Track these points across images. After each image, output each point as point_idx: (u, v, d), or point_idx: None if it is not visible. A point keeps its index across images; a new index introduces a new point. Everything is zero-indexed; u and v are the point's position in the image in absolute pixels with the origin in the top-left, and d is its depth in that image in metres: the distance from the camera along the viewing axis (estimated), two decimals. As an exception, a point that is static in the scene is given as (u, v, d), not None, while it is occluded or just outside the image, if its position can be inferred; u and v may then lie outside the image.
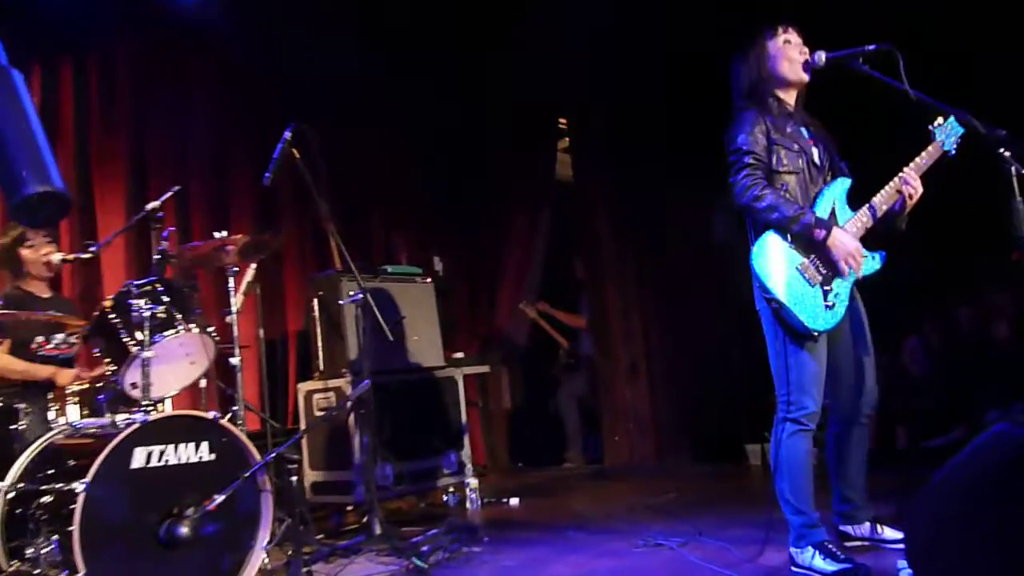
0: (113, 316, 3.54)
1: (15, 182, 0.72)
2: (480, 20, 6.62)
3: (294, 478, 3.45)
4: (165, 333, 3.48)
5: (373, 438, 4.48)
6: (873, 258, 3.13)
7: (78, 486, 2.86)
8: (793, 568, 3.00)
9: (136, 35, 5.77)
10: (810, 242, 3.04)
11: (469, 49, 6.89)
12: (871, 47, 2.96)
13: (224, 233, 4.12)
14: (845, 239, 3.02)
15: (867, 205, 3.13)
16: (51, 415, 3.65)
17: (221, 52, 6.07)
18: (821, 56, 3.13)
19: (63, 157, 5.36)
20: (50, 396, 3.70)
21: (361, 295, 4.23)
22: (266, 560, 3.36)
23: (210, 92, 6.10)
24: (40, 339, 3.97)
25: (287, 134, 4.02)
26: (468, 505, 5.25)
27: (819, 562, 2.89)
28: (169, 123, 5.87)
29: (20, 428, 3.51)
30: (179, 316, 3.55)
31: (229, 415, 3.77)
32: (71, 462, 3.25)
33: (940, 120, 3.13)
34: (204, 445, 3.23)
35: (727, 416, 6.27)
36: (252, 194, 6.06)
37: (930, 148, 3.13)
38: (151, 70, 5.86)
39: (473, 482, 5.30)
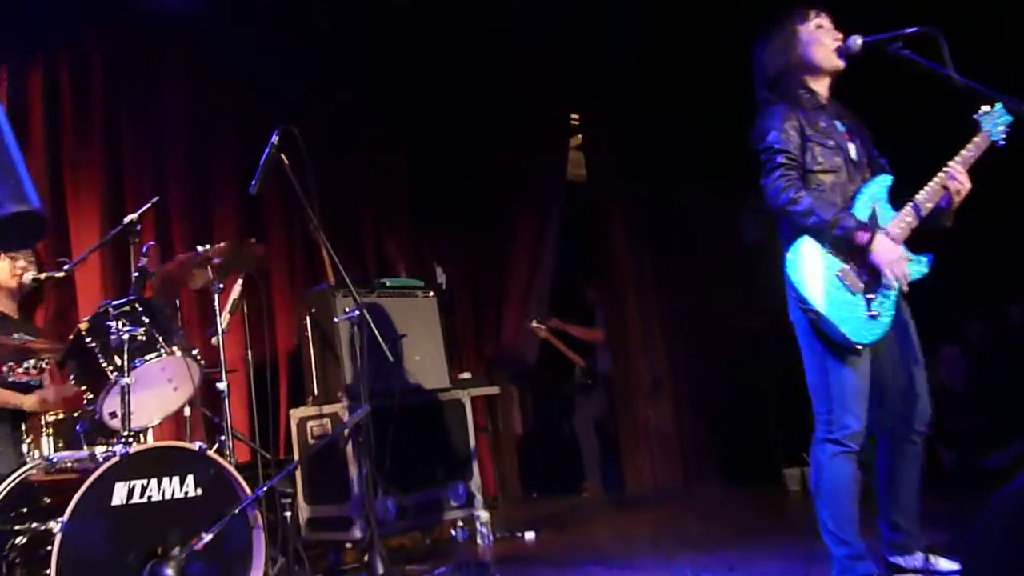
0: (89, 339, 3.55)
1: None
2: (480, 11, 6.63)
3: (288, 513, 3.45)
4: (146, 357, 3.50)
5: (373, 468, 4.48)
6: (919, 262, 3.12)
7: (54, 525, 2.88)
8: (838, 604, 2.99)
9: (110, 31, 5.80)
10: (850, 246, 3.03)
11: (468, 42, 6.91)
12: (911, 30, 2.96)
13: (207, 247, 4.12)
14: (888, 246, 3.01)
15: (911, 203, 3.11)
16: (24, 448, 3.66)
17: (202, 50, 6.09)
18: (857, 41, 3.12)
19: (33, 167, 5.34)
20: (23, 427, 3.72)
21: (357, 312, 4.23)
22: (259, 604, 3.36)
23: (190, 94, 6.11)
24: (10, 363, 3.99)
25: (274, 138, 4.04)
26: (478, 540, 5.23)
27: (866, 597, 2.88)
28: (146, 128, 5.90)
29: (-10, 463, 3.53)
30: (161, 338, 3.57)
31: (216, 445, 3.78)
32: (46, 499, 3.28)
33: (986, 108, 3.10)
34: (189, 479, 3.25)
35: (761, 436, 6.26)
36: (237, 204, 6.06)
37: (976, 139, 3.10)
38: (126, 70, 5.87)
39: (483, 515, 5.28)
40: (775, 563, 3.63)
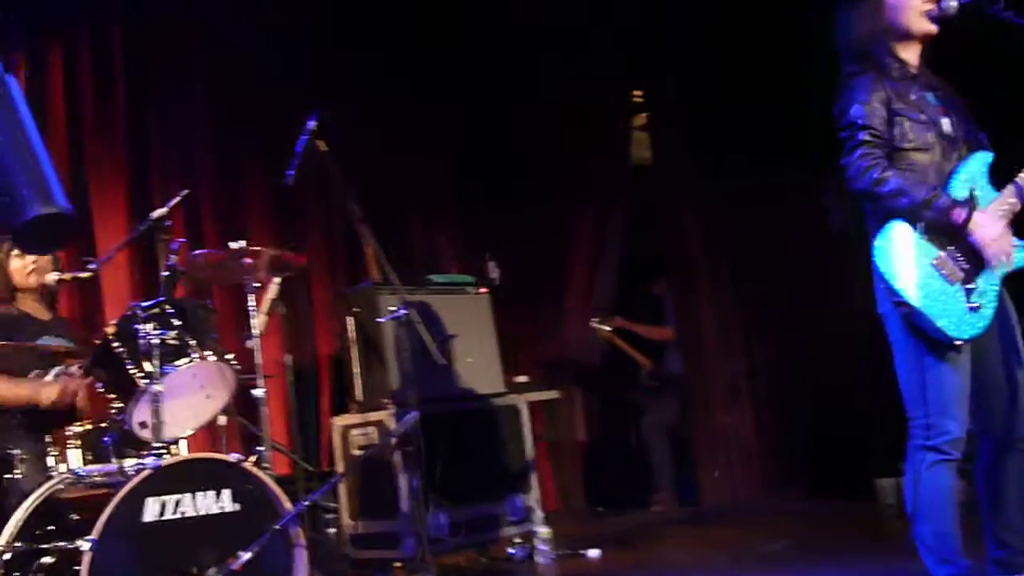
0: (117, 344, 3.62)
1: (14, 203, 0.75)
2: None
3: (331, 530, 3.49)
4: (177, 363, 3.55)
5: (423, 481, 4.52)
6: (1023, 248, 3.06)
7: (83, 544, 2.94)
8: (938, 629, 2.95)
9: (133, 13, 5.91)
10: (946, 230, 2.98)
11: (518, 19, 6.91)
12: (1015, -13, 2.90)
13: (242, 243, 4.18)
14: (989, 224, 2.96)
15: (1012, 183, 3.05)
16: (50, 461, 3.73)
17: (230, 33, 6.18)
18: (952, 3, 3.07)
19: (55, 158, 5.51)
20: (48, 439, 3.80)
21: (404, 311, 4.28)
22: (301, 628, 3.41)
23: (219, 80, 6.22)
24: (37, 371, 4.08)
25: (310, 124, 4.09)
26: (538, 559, 5.24)
27: (970, 621, 2.84)
28: (173, 118, 6.01)
29: (15, 478, 3.59)
30: (193, 342, 3.62)
31: (254, 457, 3.83)
32: (74, 516, 3.35)
33: None
34: (225, 493, 3.30)
35: (851, 444, 6.17)
36: (271, 196, 6.15)
37: None
38: (151, 55, 5.99)
39: (543, 531, 5.28)
40: (867, 584, 3.59)
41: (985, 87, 3.55)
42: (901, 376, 3.09)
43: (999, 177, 3.11)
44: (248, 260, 4.18)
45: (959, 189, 3.07)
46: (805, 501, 6.46)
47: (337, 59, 6.50)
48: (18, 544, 3.26)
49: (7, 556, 3.24)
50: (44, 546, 3.19)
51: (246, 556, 3.15)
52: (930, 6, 3.11)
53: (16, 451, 3.65)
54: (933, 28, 3.13)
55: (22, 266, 4.19)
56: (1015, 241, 3.04)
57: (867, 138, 3.03)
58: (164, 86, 6.04)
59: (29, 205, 0.76)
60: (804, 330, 6.51)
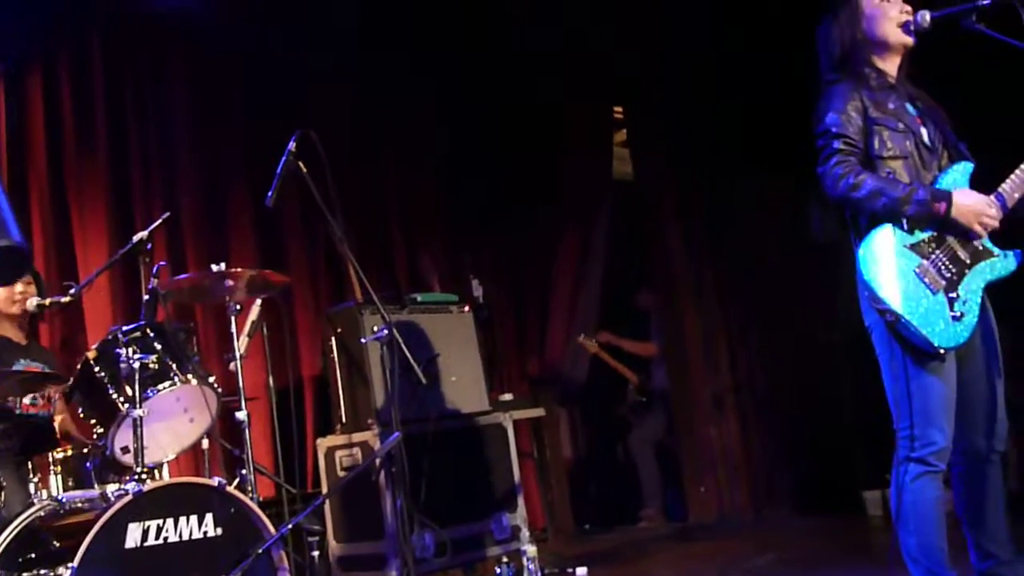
0: (98, 368, 3.61)
1: None
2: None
3: (316, 552, 3.47)
4: (159, 387, 3.55)
5: (408, 501, 4.50)
6: (1006, 257, 3.08)
7: (64, 572, 2.92)
8: (926, 641, 2.94)
9: (112, 34, 5.90)
10: (931, 230, 3.00)
11: (497, 39, 6.93)
12: (986, 1, 2.93)
13: (222, 265, 4.16)
14: (967, 199, 3.00)
15: (994, 193, 3.07)
16: (31, 488, 3.71)
17: (210, 51, 6.18)
18: (925, 16, 3.11)
19: (35, 183, 5.49)
20: (30, 465, 3.77)
21: (386, 330, 4.25)
22: (287, 653, 3.38)
23: (199, 100, 6.21)
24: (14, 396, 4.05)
25: (291, 145, 4.08)
26: (526, 577, 5.23)
27: (957, 633, 2.83)
28: (154, 138, 5.99)
29: (-5, 504, 3.59)
30: (174, 365, 3.61)
31: (237, 480, 3.81)
32: (55, 543, 3.32)
33: None
34: (208, 517, 3.28)
35: (837, 457, 6.19)
36: (253, 217, 6.13)
37: None
38: (130, 76, 5.98)
39: (530, 549, 5.24)
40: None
41: (967, 98, 3.57)
42: (887, 387, 3.10)
43: (980, 187, 3.13)
44: (230, 282, 4.16)
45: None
46: (792, 515, 6.46)
47: (319, 80, 6.50)
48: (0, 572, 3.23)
49: (-12, 585, 3.22)
50: (26, 574, 3.15)
51: (230, 581, 3.13)
52: (906, 18, 3.14)
53: (-3, 478, 3.62)
54: (909, 40, 3.16)
55: (7, 295, 4.18)
56: (994, 250, 3.06)
57: (841, 146, 3.05)
58: (145, 108, 6.02)
59: None
60: (789, 343, 6.53)
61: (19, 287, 4.18)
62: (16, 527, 3.33)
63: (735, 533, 6.23)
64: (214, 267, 4.14)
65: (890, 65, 3.22)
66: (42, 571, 3.10)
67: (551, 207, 7.48)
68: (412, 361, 4.32)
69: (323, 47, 6.48)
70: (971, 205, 3.00)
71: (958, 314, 2.99)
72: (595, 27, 6.88)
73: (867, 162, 3.08)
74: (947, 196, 2.99)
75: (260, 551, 3.26)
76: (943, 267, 3.02)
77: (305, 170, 4.11)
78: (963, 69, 4.11)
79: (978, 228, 3.00)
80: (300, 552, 3.70)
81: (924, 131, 3.18)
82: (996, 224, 3.03)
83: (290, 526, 3.41)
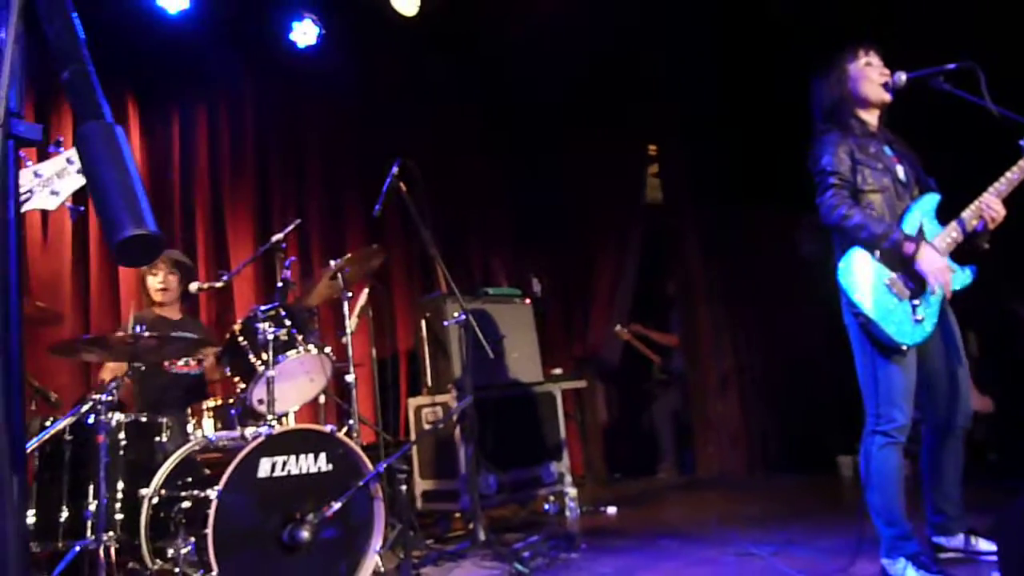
0: (241, 338, 3.66)
1: (116, 225, 0.76)
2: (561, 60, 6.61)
3: (403, 487, 3.48)
4: (287, 353, 3.57)
5: (476, 450, 4.50)
6: (964, 272, 2.99)
7: (211, 493, 2.95)
8: (885, 579, 2.86)
9: (259, 82, 6.00)
10: (899, 257, 2.92)
11: (551, 90, 6.91)
12: (952, 66, 2.85)
13: (339, 261, 4.20)
14: (933, 256, 2.89)
15: (956, 219, 2.99)
16: (190, 428, 3.79)
17: (333, 95, 6.26)
18: (901, 77, 3.03)
19: (200, 195, 5.61)
20: (189, 411, 3.85)
21: (464, 316, 4.27)
22: (379, 563, 3.39)
23: (323, 132, 6.29)
24: (171, 359, 4.15)
25: (394, 169, 4.10)
26: (567, 513, 5.19)
27: (911, 573, 2.74)
28: (290, 163, 6.09)
29: (162, 440, 3.66)
30: (299, 338, 3.64)
31: (345, 428, 3.84)
32: (206, 471, 3.39)
33: None
34: (322, 456, 3.29)
35: (818, 427, 6.06)
36: (364, 225, 6.19)
37: (1021, 162, 2.96)
38: (272, 114, 6.08)
39: (571, 491, 5.24)
40: (829, 540, 3.50)
41: (937, 142, 3.48)
42: (859, 374, 3.03)
43: (945, 215, 3.05)
44: (347, 269, 4.19)
45: (911, 224, 3.01)
46: (779, 474, 6.34)
47: (415, 115, 6.55)
48: (163, 491, 3.30)
49: (155, 500, 3.28)
50: (183, 494, 3.21)
51: (337, 506, 3.14)
52: (885, 79, 3.06)
53: (163, 420, 3.70)
54: (887, 96, 3.09)
55: (153, 284, 4.28)
56: (954, 266, 2.97)
57: (836, 182, 2.99)
58: (284, 139, 6.11)
59: (126, 227, 0.76)
60: (781, 336, 6.42)
61: (160, 276, 4.26)
62: (177, 458, 3.40)
63: (733, 486, 6.13)
64: (332, 262, 4.19)
65: (871, 117, 3.14)
66: (195, 492, 3.14)
67: (595, 224, 7.45)
68: (483, 340, 4.33)
69: (415, 97, 6.54)
70: (934, 263, 2.88)
71: (920, 318, 2.91)
72: (628, 77, 6.84)
73: (855, 195, 3.01)
74: (917, 243, 2.89)
75: (361, 484, 3.28)
76: (908, 279, 2.94)
77: (405, 189, 4.14)
78: (933, 119, 3.99)
79: (932, 281, 2.90)
80: (392, 486, 3.70)
81: (900, 169, 3.10)
82: (948, 287, 2.92)
83: (384, 465, 3.42)
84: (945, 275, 2.89)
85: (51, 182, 1.89)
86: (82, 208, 2.53)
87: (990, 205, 2.93)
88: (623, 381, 7.81)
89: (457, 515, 4.99)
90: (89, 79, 0.83)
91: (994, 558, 2.69)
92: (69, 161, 1.99)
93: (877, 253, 2.94)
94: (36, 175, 1.97)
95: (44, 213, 4.83)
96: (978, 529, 3.07)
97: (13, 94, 0.77)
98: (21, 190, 1.31)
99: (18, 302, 0.74)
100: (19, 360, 0.72)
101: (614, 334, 7.33)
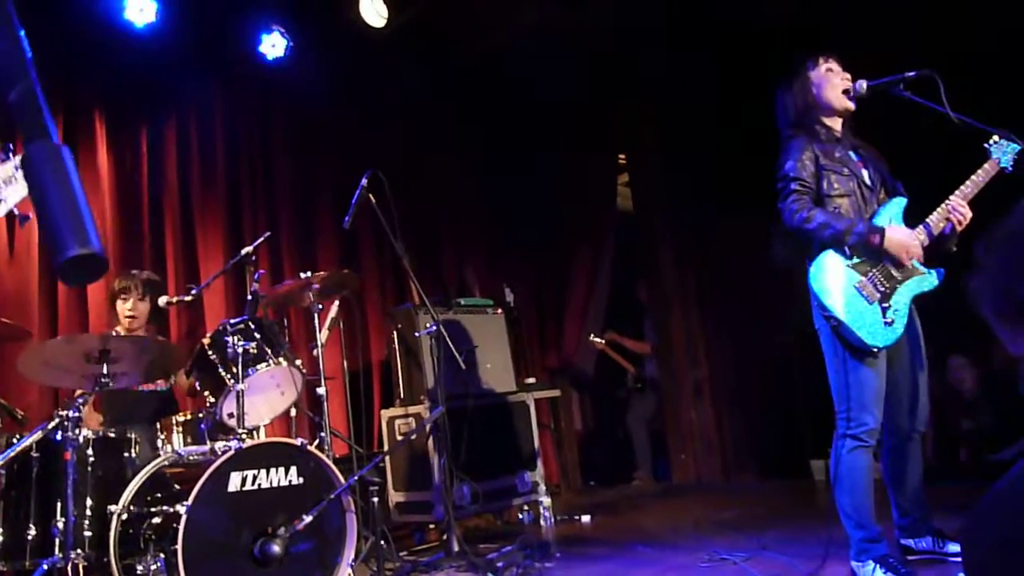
0: (211, 352, 3.63)
1: (59, 245, 0.76)
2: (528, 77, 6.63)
3: (375, 499, 3.46)
4: (257, 367, 3.55)
5: (449, 460, 4.49)
6: (930, 274, 3.03)
7: (181, 508, 2.93)
8: (855, 582, 2.89)
9: (229, 95, 5.96)
10: (868, 257, 2.96)
11: (519, 108, 6.94)
12: (911, 73, 2.90)
13: (309, 273, 4.18)
14: (898, 235, 2.95)
15: (922, 224, 3.04)
16: (159, 443, 3.75)
17: (303, 106, 6.23)
18: (862, 84, 3.08)
19: (169, 209, 5.54)
20: (158, 426, 3.80)
21: (435, 327, 4.27)
22: (352, 576, 3.37)
23: (294, 144, 6.26)
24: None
25: (364, 181, 4.09)
26: (542, 522, 5.20)
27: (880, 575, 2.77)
28: (260, 173, 6.05)
29: (131, 455, 3.59)
30: (269, 351, 3.62)
31: (317, 441, 3.82)
32: (176, 486, 3.35)
33: (996, 138, 3.03)
34: (293, 469, 3.27)
35: (790, 433, 6.11)
36: (336, 236, 6.16)
37: (986, 165, 3.03)
38: (242, 127, 6.04)
39: (546, 500, 5.25)
40: (802, 544, 3.52)
41: (903, 147, 3.53)
42: (830, 378, 3.06)
43: (912, 219, 3.09)
44: (316, 285, 4.17)
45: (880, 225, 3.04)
46: (754, 479, 6.38)
47: (386, 125, 6.54)
48: (133, 507, 3.25)
49: (124, 516, 3.23)
50: (153, 509, 3.18)
51: (308, 519, 3.13)
52: (846, 84, 3.11)
53: (132, 435, 3.65)
54: (850, 104, 3.13)
55: (123, 310, 4.23)
56: (923, 269, 3.01)
57: (797, 187, 3.03)
58: (254, 152, 6.07)
59: (69, 247, 0.76)
60: (753, 343, 6.47)
61: (130, 303, 4.22)
62: (146, 473, 3.35)
63: (708, 492, 6.16)
64: (302, 275, 4.17)
65: (835, 123, 3.18)
66: (165, 507, 3.11)
67: (568, 233, 7.48)
68: (454, 351, 4.33)
69: (386, 107, 6.54)
70: (900, 240, 2.95)
71: (890, 320, 2.95)
72: (598, 86, 6.88)
73: (818, 200, 3.05)
74: (880, 231, 2.95)
75: (332, 496, 3.26)
76: (878, 283, 2.98)
77: (374, 200, 4.12)
78: (896, 125, 4.05)
79: (905, 259, 2.95)
80: (364, 499, 3.68)
81: (865, 173, 3.14)
82: (921, 252, 2.98)
83: (356, 478, 3.41)
84: (914, 249, 2.94)
85: (4, 186, 1.86)
86: (29, 216, 2.48)
87: (957, 208, 2.98)
88: (597, 390, 7.83)
89: (432, 526, 4.98)
90: (36, 99, 0.82)
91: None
92: (17, 168, 1.95)
93: (847, 256, 2.97)
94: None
95: (10, 226, 4.75)
96: (947, 530, 3.10)
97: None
98: None
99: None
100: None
101: (588, 343, 7.35)
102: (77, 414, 3.26)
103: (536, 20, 6.14)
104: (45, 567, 3.06)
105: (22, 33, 0.85)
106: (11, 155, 1.96)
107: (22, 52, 0.83)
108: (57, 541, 3.17)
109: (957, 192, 3.01)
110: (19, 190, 1.71)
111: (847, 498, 2.92)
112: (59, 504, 3.26)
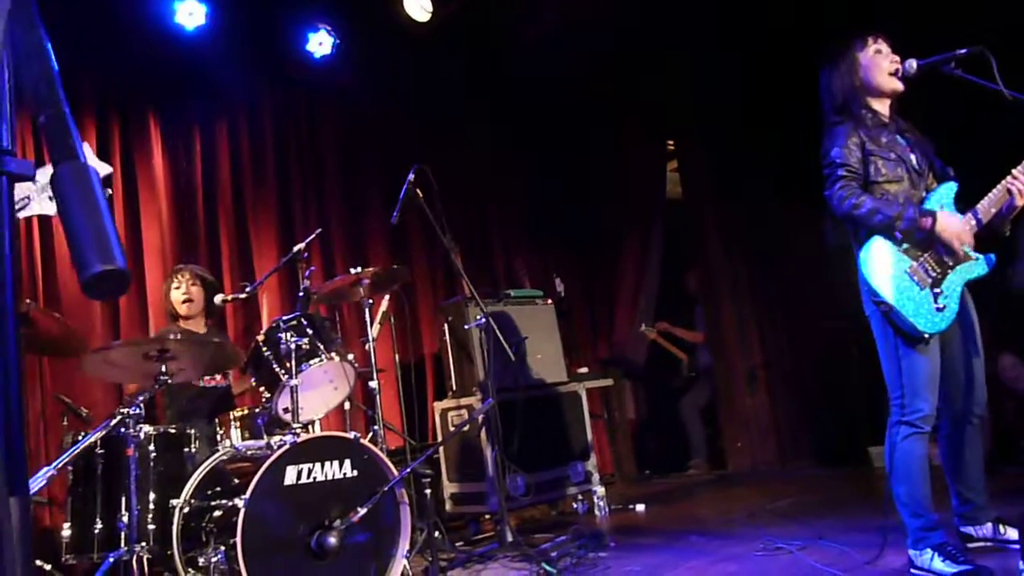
0: (265, 349, 3.70)
1: (84, 262, 0.80)
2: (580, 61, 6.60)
3: (428, 491, 3.50)
4: (310, 362, 3.61)
5: (500, 451, 4.52)
6: (979, 261, 2.95)
7: (239, 502, 3.00)
8: (912, 570, 2.83)
9: (277, 94, 6.07)
10: (919, 242, 2.89)
11: (572, 94, 6.91)
12: (963, 51, 2.81)
13: (360, 268, 4.24)
14: (950, 221, 2.87)
15: (971, 211, 2.95)
16: (217, 438, 3.85)
17: (350, 103, 6.31)
18: (912, 64, 2.99)
19: (223, 210, 5.67)
20: (217, 422, 3.91)
21: (484, 319, 4.29)
22: (407, 567, 3.42)
23: (342, 140, 6.34)
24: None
25: (411, 176, 4.13)
26: (596, 512, 5.21)
27: (938, 564, 2.72)
28: (310, 173, 6.14)
29: (191, 451, 3.71)
30: (321, 346, 3.68)
31: (370, 434, 3.88)
32: (234, 480, 3.44)
33: None
34: (347, 463, 3.33)
35: (848, 419, 6.01)
36: (385, 232, 6.24)
37: None
38: (291, 125, 6.14)
39: (600, 490, 5.25)
40: (858, 533, 3.47)
41: (954, 130, 3.43)
42: (883, 364, 3.00)
43: (963, 204, 3.01)
44: (366, 280, 4.23)
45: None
46: (810, 466, 6.30)
47: (433, 119, 6.59)
48: (193, 501, 3.35)
49: (186, 510, 3.33)
50: (212, 503, 3.26)
51: (363, 511, 3.18)
52: (896, 67, 3.03)
53: (192, 431, 3.75)
54: (899, 85, 3.05)
55: (177, 297, 4.34)
56: (975, 255, 2.94)
57: (844, 173, 2.97)
58: (303, 150, 6.17)
59: (92, 264, 0.80)
60: (807, 328, 6.37)
61: (183, 288, 4.32)
62: (206, 468, 3.45)
63: (764, 480, 6.09)
64: (353, 270, 4.23)
65: (883, 106, 3.10)
66: (223, 500, 3.19)
67: (618, 223, 7.45)
68: (504, 343, 4.35)
69: (432, 101, 6.59)
70: (952, 225, 2.87)
71: (941, 306, 2.88)
72: (647, 74, 6.84)
73: (866, 186, 2.98)
74: (932, 214, 2.88)
75: (386, 489, 3.31)
76: (929, 268, 2.91)
77: (421, 195, 4.16)
78: (949, 106, 3.93)
79: (956, 245, 2.88)
80: (418, 490, 3.73)
81: (913, 157, 3.06)
82: (972, 239, 2.91)
83: (408, 470, 3.45)
84: (966, 236, 2.87)
85: (48, 188, 1.93)
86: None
87: (1019, 175, 2.88)
88: (650, 379, 7.80)
89: (486, 517, 5.02)
90: (65, 122, 0.86)
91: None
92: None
93: (897, 242, 2.91)
94: (33, 181, 2.00)
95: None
96: (1007, 518, 3.03)
97: (4, 131, 0.81)
98: (18, 196, 1.35)
99: (15, 335, 0.77)
100: (17, 385, 0.75)
101: (640, 334, 7.32)
102: (138, 411, 3.37)
103: (584, 10, 6.11)
104: (111, 560, 3.17)
105: (51, 54, 0.89)
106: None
107: (52, 76, 0.87)
108: (123, 535, 3.29)
109: (1018, 168, 2.91)
110: (50, 206, 1.78)
111: (903, 487, 2.86)
112: (123, 499, 3.38)
